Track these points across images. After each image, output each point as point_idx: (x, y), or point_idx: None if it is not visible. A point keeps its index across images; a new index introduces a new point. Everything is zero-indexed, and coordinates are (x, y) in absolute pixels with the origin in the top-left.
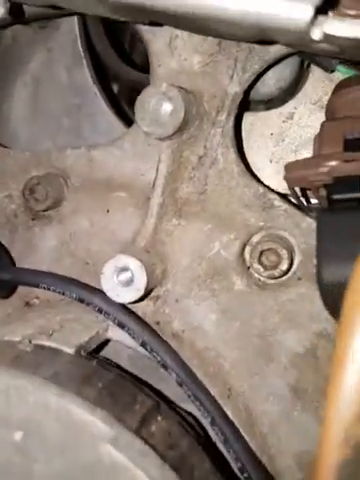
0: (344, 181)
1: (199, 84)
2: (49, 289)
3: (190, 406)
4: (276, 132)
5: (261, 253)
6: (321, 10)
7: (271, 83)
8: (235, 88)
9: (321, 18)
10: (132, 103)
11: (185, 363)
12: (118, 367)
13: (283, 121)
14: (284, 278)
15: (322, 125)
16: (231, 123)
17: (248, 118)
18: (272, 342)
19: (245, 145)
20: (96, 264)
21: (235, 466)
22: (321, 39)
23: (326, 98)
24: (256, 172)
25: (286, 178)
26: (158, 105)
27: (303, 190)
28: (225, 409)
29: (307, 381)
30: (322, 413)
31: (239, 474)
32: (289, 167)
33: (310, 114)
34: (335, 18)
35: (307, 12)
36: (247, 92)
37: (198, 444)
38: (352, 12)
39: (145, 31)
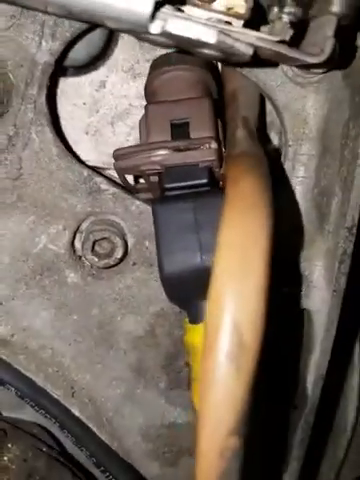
0: (175, 170)
1: (1, 51)
2: None
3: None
4: (89, 102)
5: (94, 243)
6: (161, 4)
7: (79, 47)
8: (45, 57)
9: (162, 13)
10: None
11: (21, 374)
12: None
13: (96, 90)
14: (119, 265)
15: (146, 109)
16: (44, 97)
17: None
18: (111, 330)
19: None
20: None
21: (90, 462)
22: (159, 34)
23: (138, 66)
24: (71, 145)
25: (116, 167)
26: None
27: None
28: (72, 409)
29: (148, 359)
30: (164, 388)
31: (96, 469)
32: (119, 156)
33: (123, 83)
34: (176, 16)
35: (147, 6)
36: (59, 61)
37: (54, 459)
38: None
39: None
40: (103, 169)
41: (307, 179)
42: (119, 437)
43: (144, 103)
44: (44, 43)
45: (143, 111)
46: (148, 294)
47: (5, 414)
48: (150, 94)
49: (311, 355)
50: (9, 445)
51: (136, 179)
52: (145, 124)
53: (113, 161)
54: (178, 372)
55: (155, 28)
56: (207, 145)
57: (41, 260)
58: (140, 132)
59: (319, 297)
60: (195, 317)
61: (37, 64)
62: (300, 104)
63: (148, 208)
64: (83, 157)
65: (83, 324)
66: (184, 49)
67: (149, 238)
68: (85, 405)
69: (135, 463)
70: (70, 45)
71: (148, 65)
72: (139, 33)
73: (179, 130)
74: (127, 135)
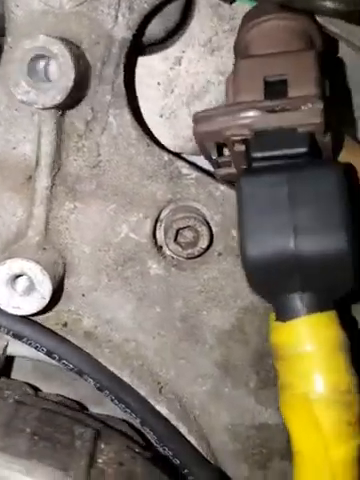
0: (266, 135)
1: (74, 29)
2: None
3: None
4: (163, 81)
5: (177, 232)
6: None
7: (154, 22)
8: (122, 33)
9: None
10: None
11: (101, 364)
12: (29, 385)
13: (170, 68)
14: (204, 255)
15: (236, 64)
16: (121, 77)
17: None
18: (196, 323)
19: None
20: None
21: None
22: None
23: (216, 39)
24: None
25: (195, 132)
26: (38, 65)
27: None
28: (160, 405)
29: (236, 356)
30: (254, 387)
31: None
32: (199, 119)
33: (200, 59)
34: None
35: None
36: (137, 37)
37: (147, 459)
38: None
39: None
40: (179, 154)
41: None
42: (205, 435)
43: (223, 79)
44: (120, 17)
45: (222, 88)
46: (236, 287)
47: (91, 409)
48: (243, 49)
49: None
50: (102, 446)
51: (219, 151)
52: (233, 82)
53: (190, 145)
54: (269, 371)
55: None
56: (309, 105)
57: (122, 250)
58: (227, 93)
59: None
60: (283, 313)
61: (114, 40)
62: None
63: (234, 193)
64: None
65: (166, 317)
66: None
67: (235, 226)
68: (173, 402)
69: (222, 464)
70: (148, 18)
71: (226, 36)
72: None
73: (275, 88)
74: None
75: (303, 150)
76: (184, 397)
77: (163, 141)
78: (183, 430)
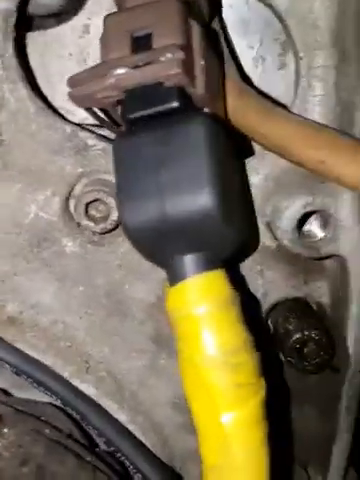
0: (137, 94)
1: None
2: None
3: None
4: (75, 51)
5: (87, 206)
6: None
7: None
8: (3, 4)
9: None
10: None
11: (16, 349)
12: None
13: (80, 37)
14: (119, 228)
15: (104, 21)
16: (11, 50)
17: (37, 39)
18: (121, 299)
19: (42, 72)
20: None
21: (101, 442)
22: None
23: None
24: (63, 103)
25: (71, 97)
26: None
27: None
28: (86, 385)
29: (167, 328)
30: None
31: (106, 448)
32: (73, 83)
33: None
34: None
35: None
36: (22, 7)
37: (57, 443)
38: None
39: None
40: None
41: (326, 97)
42: (145, 411)
43: None
44: None
45: None
46: None
47: (19, 395)
48: (119, 3)
49: (349, 309)
50: (5, 430)
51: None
52: (102, 40)
53: None
54: None
55: None
56: (168, 55)
57: (35, 231)
58: (100, 53)
59: (350, 238)
60: (170, 278)
61: None
62: (306, 5)
63: None
64: (78, 115)
65: (91, 295)
66: None
67: None
68: (102, 380)
69: (169, 437)
70: None
71: None
72: None
73: (141, 43)
74: None
75: (174, 105)
76: (119, 374)
77: (81, 114)
78: (113, 407)
